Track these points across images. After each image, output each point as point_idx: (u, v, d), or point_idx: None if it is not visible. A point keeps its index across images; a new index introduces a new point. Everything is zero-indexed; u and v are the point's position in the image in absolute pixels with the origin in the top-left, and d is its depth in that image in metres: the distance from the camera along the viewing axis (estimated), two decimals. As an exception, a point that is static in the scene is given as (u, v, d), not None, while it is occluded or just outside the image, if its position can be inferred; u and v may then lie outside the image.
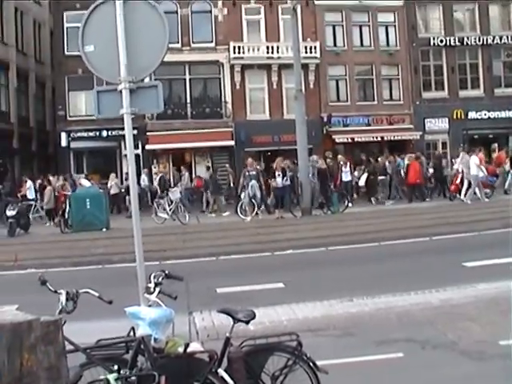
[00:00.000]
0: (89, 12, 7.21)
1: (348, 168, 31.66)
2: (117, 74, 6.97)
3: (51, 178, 33.72)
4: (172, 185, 34.10)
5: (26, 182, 33.05)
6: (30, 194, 31.91)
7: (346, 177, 31.17)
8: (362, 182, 33.17)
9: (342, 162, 32.26)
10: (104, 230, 25.88)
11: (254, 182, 27.07)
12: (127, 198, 31.30)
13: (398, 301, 11.13)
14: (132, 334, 5.83)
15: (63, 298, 5.77)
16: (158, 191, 32.45)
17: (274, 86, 42.16)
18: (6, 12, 42.84)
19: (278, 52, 41.53)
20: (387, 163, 34.19)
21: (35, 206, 32.09)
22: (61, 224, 26.65)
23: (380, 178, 32.91)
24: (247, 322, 5.79)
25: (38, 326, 3.85)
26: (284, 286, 13.29)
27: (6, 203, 28.22)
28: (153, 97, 7.16)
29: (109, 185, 31.97)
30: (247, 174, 27.62)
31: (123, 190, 33.05)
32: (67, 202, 27.28)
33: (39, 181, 34.93)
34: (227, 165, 38.45)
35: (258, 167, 30.06)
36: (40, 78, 48.54)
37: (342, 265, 15.68)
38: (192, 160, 41.83)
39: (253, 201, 27.07)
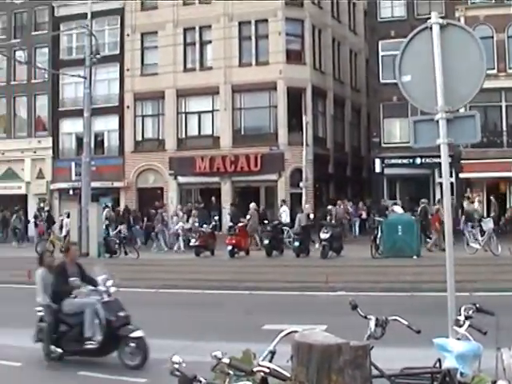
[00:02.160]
0: (406, 42, 7.30)
1: None
2: (433, 104, 6.98)
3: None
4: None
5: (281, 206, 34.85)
6: (284, 219, 32.73)
7: None
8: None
9: None
10: (414, 257, 25.84)
11: None
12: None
13: None
14: (438, 365, 5.76)
15: (372, 323, 5.88)
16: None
17: None
18: (323, 43, 44.76)
19: None
20: None
21: (288, 230, 32.61)
22: (372, 249, 27.10)
23: None
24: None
25: (348, 349, 3.97)
26: None
27: (320, 226, 29.10)
28: (470, 127, 7.10)
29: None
30: None
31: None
32: (379, 228, 27.73)
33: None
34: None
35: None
36: (355, 105, 50.01)
37: None
38: (507, 190, 40.35)
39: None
